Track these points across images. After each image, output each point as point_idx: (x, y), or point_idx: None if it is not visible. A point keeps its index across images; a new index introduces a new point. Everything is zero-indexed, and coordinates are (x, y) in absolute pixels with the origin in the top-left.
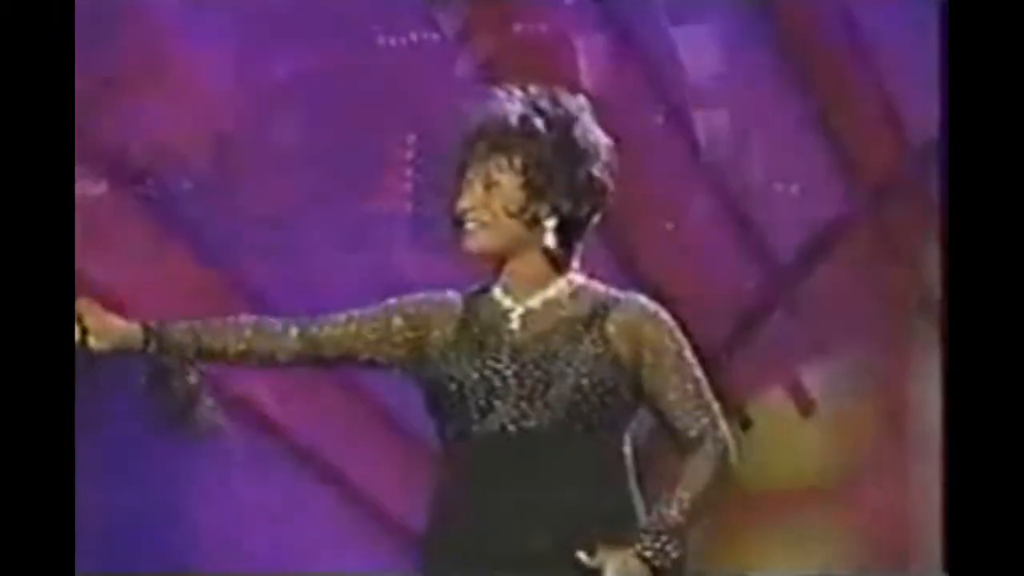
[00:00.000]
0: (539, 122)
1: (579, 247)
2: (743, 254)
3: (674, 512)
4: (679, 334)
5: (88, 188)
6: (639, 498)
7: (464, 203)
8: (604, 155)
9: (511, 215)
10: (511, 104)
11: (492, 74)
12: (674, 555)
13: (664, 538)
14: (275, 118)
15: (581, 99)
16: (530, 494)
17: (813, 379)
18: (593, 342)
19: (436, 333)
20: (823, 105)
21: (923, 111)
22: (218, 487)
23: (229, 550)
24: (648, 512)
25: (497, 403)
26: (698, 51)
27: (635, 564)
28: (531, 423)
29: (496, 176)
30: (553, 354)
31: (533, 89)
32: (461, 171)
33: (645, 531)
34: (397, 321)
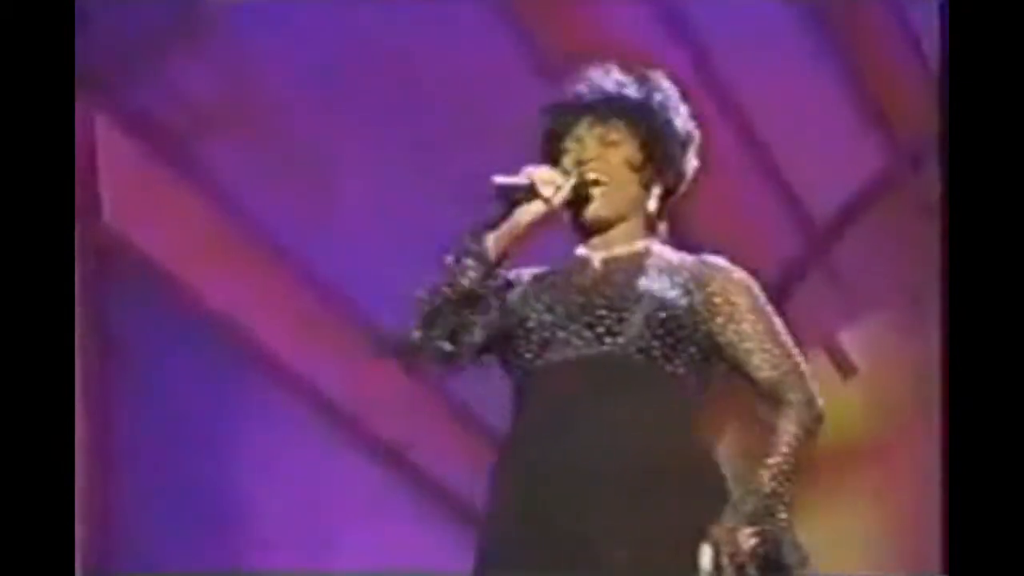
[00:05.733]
0: (658, 97)
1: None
2: (781, 217)
3: (765, 479)
4: (759, 293)
5: (122, 149)
6: (714, 446)
7: (584, 154)
8: (695, 140)
9: (633, 170)
10: (621, 80)
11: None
12: (774, 527)
13: (759, 514)
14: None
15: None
16: (598, 426)
17: (853, 342)
18: (668, 283)
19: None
20: (858, 66)
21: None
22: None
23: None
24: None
25: (561, 334)
26: (730, 14)
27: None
28: (599, 352)
29: (614, 136)
30: (626, 287)
31: (626, 70)
32: (558, 136)
33: (737, 508)
34: None
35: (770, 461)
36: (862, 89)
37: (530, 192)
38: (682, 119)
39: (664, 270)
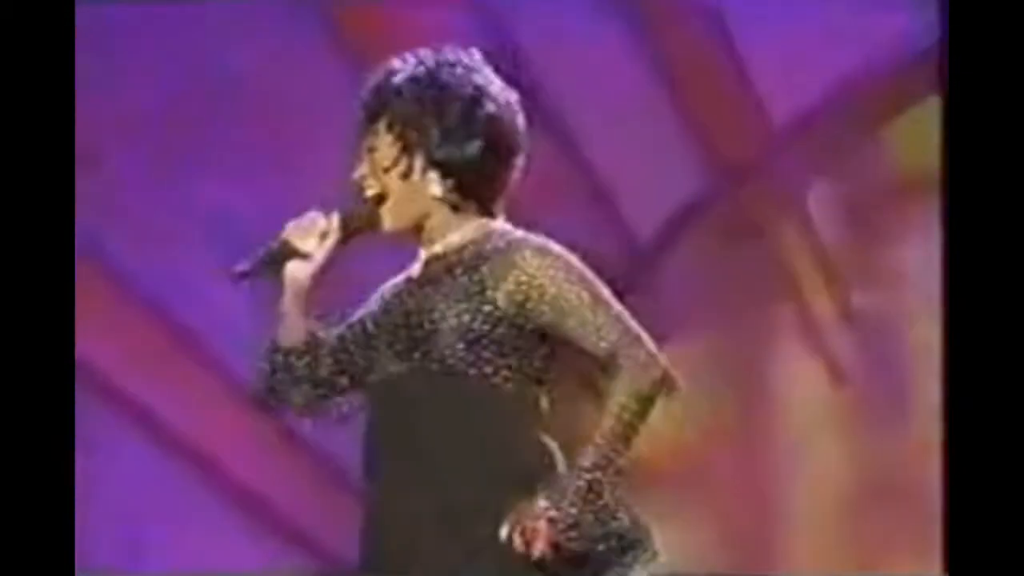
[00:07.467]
0: (398, 79)
1: (498, 189)
2: (602, 235)
3: (588, 455)
4: (576, 264)
5: None
6: (557, 453)
7: (356, 173)
8: (494, 95)
9: (386, 171)
10: (382, 71)
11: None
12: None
13: (579, 491)
14: None
15: (472, 52)
16: (423, 444)
17: (673, 361)
18: (470, 285)
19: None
20: (682, 86)
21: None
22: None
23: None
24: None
25: (384, 350)
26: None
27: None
28: (416, 369)
29: (373, 141)
30: (431, 300)
31: (415, 53)
32: (363, 146)
33: (550, 492)
34: None
35: (596, 435)
36: (683, 100)
37: (290, 254)
38: (454, 78)
39: (472, 268)
